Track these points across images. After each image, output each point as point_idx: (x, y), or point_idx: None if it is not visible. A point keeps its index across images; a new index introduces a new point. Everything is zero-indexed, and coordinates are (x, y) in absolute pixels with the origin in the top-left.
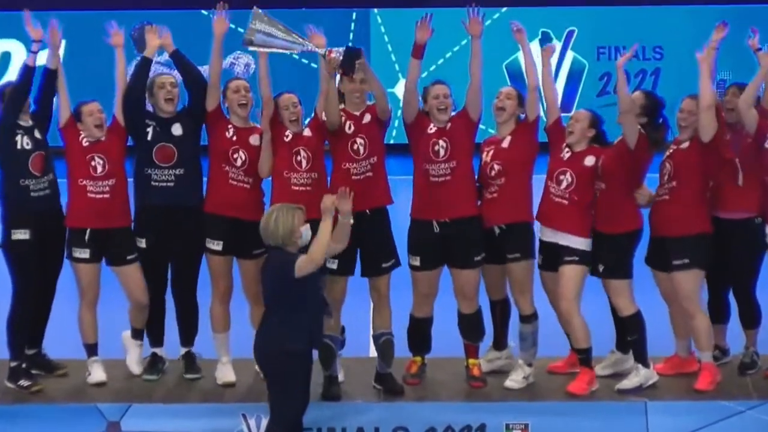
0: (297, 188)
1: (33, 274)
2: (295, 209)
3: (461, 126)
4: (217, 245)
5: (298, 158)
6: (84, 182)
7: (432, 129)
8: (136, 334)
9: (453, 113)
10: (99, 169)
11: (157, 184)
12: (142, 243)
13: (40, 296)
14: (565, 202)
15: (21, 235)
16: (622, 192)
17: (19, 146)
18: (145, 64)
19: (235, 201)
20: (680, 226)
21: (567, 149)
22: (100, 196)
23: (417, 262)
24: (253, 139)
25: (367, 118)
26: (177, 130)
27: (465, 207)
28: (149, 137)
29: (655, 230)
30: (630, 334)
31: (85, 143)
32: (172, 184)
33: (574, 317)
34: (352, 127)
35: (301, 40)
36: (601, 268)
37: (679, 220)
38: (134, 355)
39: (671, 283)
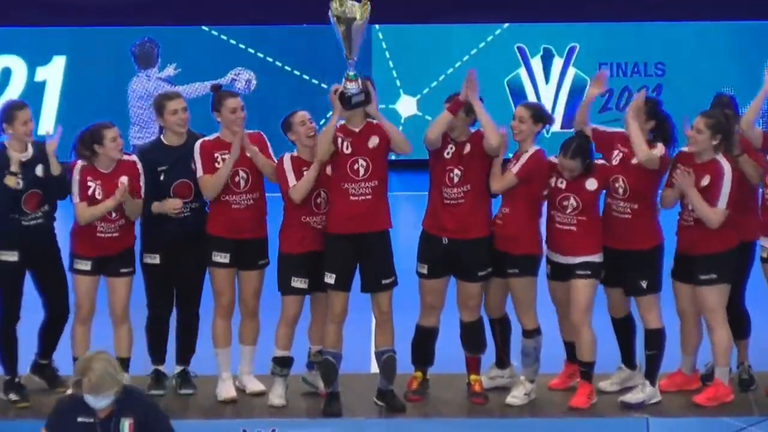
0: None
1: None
2: (117, 383)
3: (479, 148)
4: (223, 258)
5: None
6: (95, 222)
7: (449, 153)
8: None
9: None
10: (112, 214)
11: (175, 216)
12: (156, 259)
13: (54, 314)
14: (573, 228)
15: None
16: (653, 206)
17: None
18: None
19: (242, 225)
20: (708, 245)
21: (561, 181)
22: (109, 235)
23: (425, 270)
24: (250, 152)
25: (374, 141)
26: (193, 164)
27: (475, 230)
28: (162, 178)
29: (682, 247)
30: (649, 348)
31: (98, 195)
32: (189, 214)
33: (585, 330)
34: (350, 148)
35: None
36: (644, 284)
37: (705, 240)
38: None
39: (695, 297)
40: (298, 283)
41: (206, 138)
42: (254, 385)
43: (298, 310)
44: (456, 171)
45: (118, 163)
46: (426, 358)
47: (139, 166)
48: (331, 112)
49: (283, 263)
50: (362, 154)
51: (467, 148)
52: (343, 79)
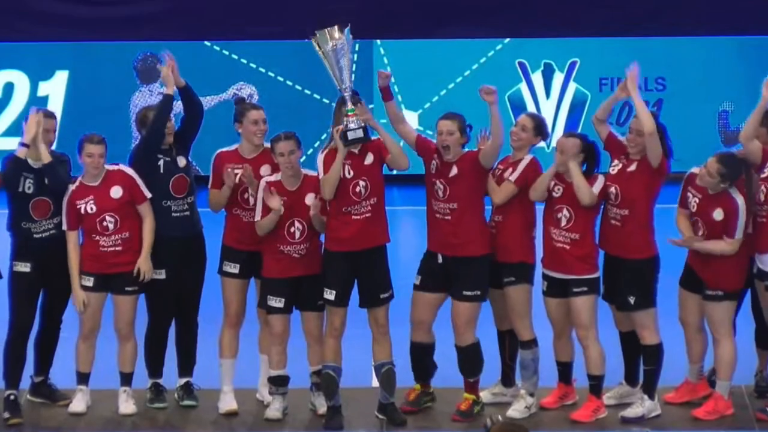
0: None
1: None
2: None
3: (469, 169)
4: (233, 268)
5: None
6: (96, 237)
7: (434, 167)
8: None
9: (465, 149)
10: (111, 227)
11: (177, 215)
12: (162, 274)
13: (48, 327)
14: (567, 246)
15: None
16: (647, 215)
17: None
18: (169, 101)
19: (251, 237)
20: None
21: (558, 189)
22: (112, 249)
23: (418, 281)
24: (264, 169)
25: (370, 158)
26: (182, 161)
27: (465, 248)
28: (162, 170)
29: (691, 259)
30: (647, 363)
31: (91, 210)
32: (188, 213)
33: (591, 344)
34: (352, 172)
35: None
36: (632, 300)
37: (714, 258)
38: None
39: (702, 308)
40: (273, 302)
41: (225, 149)
42: None
43: (282, 329)
44: (438, 184)
45: (107, 174)
46: (422, 372)
47: (130, 172)
48: (330, 125)
49: (262, 283)
50: (362, 175)
51: (454, 169)
52: (344, 116)
